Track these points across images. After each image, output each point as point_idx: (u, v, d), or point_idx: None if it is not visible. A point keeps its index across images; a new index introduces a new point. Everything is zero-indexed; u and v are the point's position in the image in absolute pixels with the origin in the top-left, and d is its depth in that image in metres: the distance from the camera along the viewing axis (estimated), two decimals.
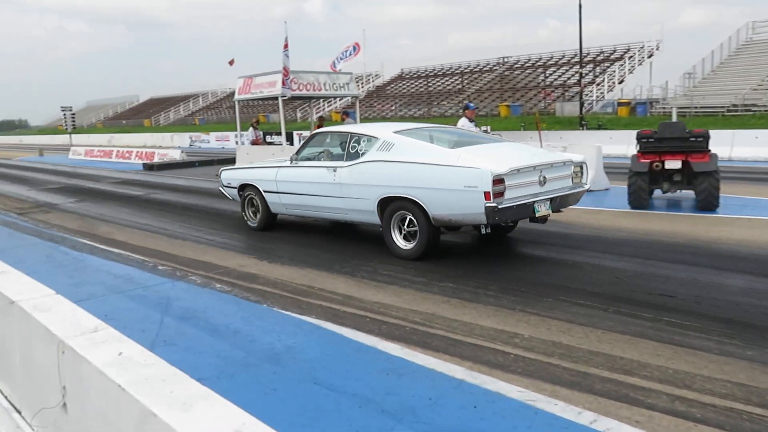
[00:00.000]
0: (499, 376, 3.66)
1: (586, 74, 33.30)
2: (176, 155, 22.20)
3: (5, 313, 2.38)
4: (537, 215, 6.24)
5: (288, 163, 7.85)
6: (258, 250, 7.41)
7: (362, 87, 47.07)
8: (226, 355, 4.09)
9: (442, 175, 6.06)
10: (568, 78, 41.21)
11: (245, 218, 8.63)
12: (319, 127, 17.13)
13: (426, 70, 54.84)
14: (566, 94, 38.08)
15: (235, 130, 19.42)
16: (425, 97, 48.09)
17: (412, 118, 41.78)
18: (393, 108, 47.03)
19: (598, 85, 36.46)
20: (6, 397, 2.42)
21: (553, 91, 39.56)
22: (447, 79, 51.30)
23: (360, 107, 31.68)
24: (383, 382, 3.62)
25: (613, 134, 20.13)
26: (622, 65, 37.57)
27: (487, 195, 5.66)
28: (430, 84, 51.70)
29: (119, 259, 7.07)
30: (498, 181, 5.70)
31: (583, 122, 25.23)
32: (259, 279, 6.00)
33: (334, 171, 7.03)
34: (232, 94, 77.81)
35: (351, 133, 7.28)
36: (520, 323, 4.54)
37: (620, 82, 36.57)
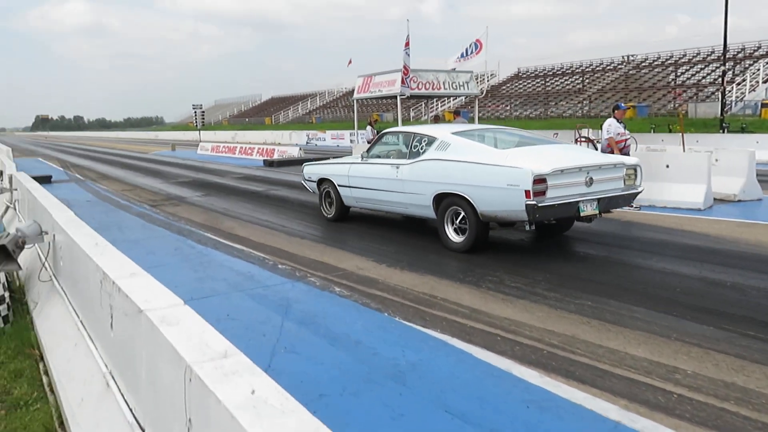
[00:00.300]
0: (662, 420, 3.12)
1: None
2: (294, 152, 22.77)
3: (133, 320, 2.22)
4: (582, 214, 6.41)
5: (359, 161, 8.48)
6: (375, 252, 7.18)
7: (479, 86, 46.27)
8: (347, 369, 3.84)
9: (488, 174, 6.44)
10: (703, 77, 38.03)
11: (322, 210, 9.39)
12: None
13: (544, 70, 52.97)
14: (700, 94, 35.15)
15: (352, 128, 19.53)
16: (542, 97, 46.41)
17: (528, 119, 40.42)
18: (508, 108, 45.82)
19: (738, 84, 33.27)
20: (131, 410, 2.27)
21: (684, 91, 36.65)
22: (566, 78, 49.23)
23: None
24: (524, 416, 3.20)
25: (760, 138, 18.11)
26: (767, 63, 34.05)
27: (527, 193, 5.96)
28: (547, 84, 49.85)
29: (241, 256, 7.13)
30: (539, 180, 6.00)
31: (723, 124, 22.97)
32: (378, 284, 5.75)
33: (397, 168, 7.59)
34: (348, 93, 79.63)
35: (414, 133, 7.76)
36: (678, 355, 3.92)
37: (765, 82, 33.15)
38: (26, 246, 5.04)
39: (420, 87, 14.81)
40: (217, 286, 5.88)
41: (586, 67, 48.83)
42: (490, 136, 7.72)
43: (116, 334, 2.70)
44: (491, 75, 52.80)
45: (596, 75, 46.69)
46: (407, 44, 14.32)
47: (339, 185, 8.80)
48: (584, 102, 40.62)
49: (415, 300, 5.24)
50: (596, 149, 10.99)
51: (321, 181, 9.26)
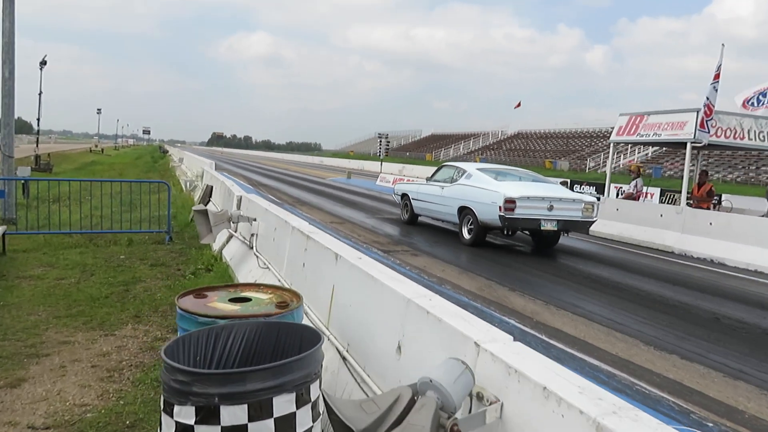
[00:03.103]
0: None
1: None
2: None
3: None
4: (542, 228, 9.51)
5: (425, 183, 12.14)
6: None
7: None
8: None
9: (483, 195, 9.74)
10: None
11: (401, 215, 13.19)
12: (702, 183, 13.14)
13: None
14: None
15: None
16: None
17: None
18: None
19: None
20: None
21: None
22: None
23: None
24: None
25: None
26: None
27: (500, 208, 9.21)
28: None
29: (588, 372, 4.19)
30: (509, 201, 9.19)
31: None
32: None
33: (442, 188, 11.04)
34: (512, 137, 75.92)
35: (456, 166, 11.37)
36: None
37: None
38: None
39: (719, 134, 11.30)
40: None
41: None
42: (501, 172, 11.06)
43: None
44: None
45: None
46: (717, 77, 10.92)
47: (412, 198, 12.48)
48: None
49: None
50: None
51: (402, 196, 13.07)
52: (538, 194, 9.49)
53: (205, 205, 11.84)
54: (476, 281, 7.50)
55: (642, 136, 12.56)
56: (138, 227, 10.21)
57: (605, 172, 47.64)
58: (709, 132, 10.99)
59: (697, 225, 11.00)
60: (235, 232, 7.17)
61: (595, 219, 9.85)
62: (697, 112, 11.19)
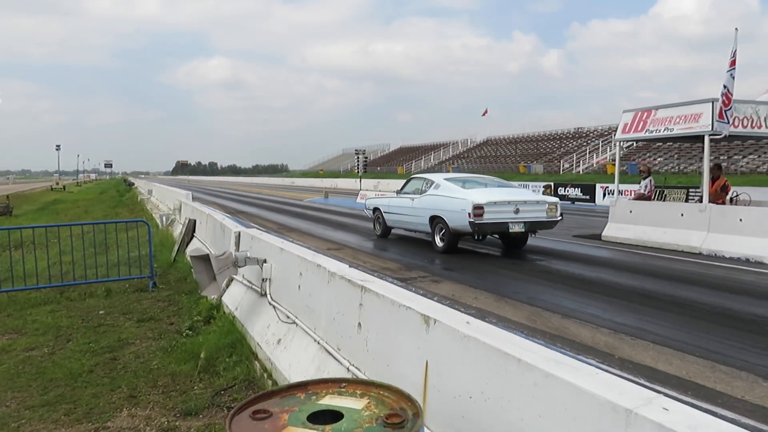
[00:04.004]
0: None
1: None
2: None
3: None
4: (510, 231, 10.07)
5: (395, 196, 12.66)
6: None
7: None
8: None
9: (453, 203, 10.21)
10: None
11: (374, 229, 13.56)
12: (716, 177, 12.44)
13: None
14: None
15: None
16: None
17: None
18: None
19: None
20: None
21: None
22: None
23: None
24: None
25: None
26: None
27: (470, 215, 9.70)
28: None
29: None
30: (478, 207, 9.70)
31: None
32: None
33: (412, 200, 11.54)
34: (481, 144, 75.88)
35: (424, 178, 12.04)
36: None
37: None
38: None
39: (736, 124, 10.61)
40: None
41: None
42: (467, 180, 11.58)
43: None
44: None
45: None
46: (733, 63, 10.22)
47: (384, 212, 12.86)
48: None
49: None
50: None
51: (374, 210, 13.45)
52: (504, 198, 10.10)
53: (187, 243, 10.68)
54: (520, 309, 6.50)
55: (651, 132, 11.81)
56: (116, 273, 8.99)
57: (579, 172, 47.15)
58: (728, 122, 10.28)
59: (725, 222, 10.24)
60: (237, 274, 6.07)
61: (559, 218, 10.43)
62: (713, 102, 10.47)
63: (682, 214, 11.11)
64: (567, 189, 29.28)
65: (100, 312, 7.23)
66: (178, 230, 13.05)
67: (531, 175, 47.01)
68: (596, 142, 50.48)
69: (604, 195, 27.16)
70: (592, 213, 21.62)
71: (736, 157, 32.30)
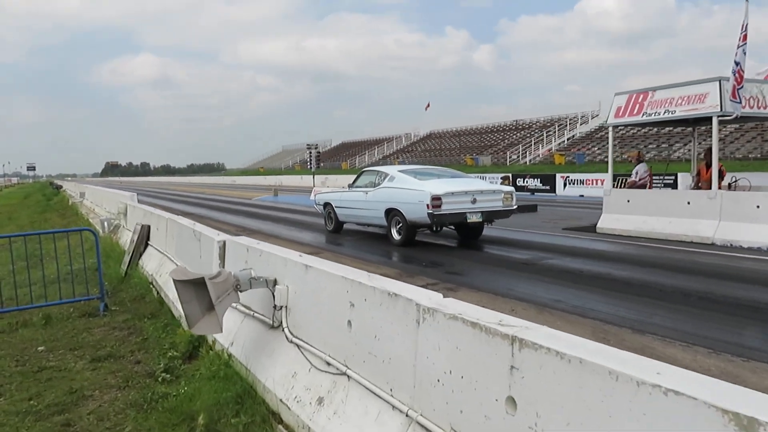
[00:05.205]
0: None
1: None
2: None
3: None
4: (468, 221, 10.00)
5: (347, 189, 12.51)
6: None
7: None
8: None
9: (409, 195, 10.03)
10: None
11: (325, 225, 13.20)
12: (710, 163, 11.80)
13: None
14: None
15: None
16: None
17: None
18: None
19: None
20: None
21: None
22: None
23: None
24: None
25: None
26: None
27: (428, 206, 9.53)
28: None
29: None
30: (436, 198, 9.55)
31: None
32: None
33: (366, 193, 11.31)
34: (425, 138, 76.03)
35: (377, 170, 11.81)
36: None
37: None
38: None
39: (744, 105, 9.90)
40: None
41: None
42: (421, 172, 11.38)
43: None
44: None
45: None
46: (744, 38, 9.45)
47: (336, 206, 12.57)
48: None
49: None
50: None
51: (325, 205, 13.06)
52: (461, 189, 10.02)
53: (141, 254, 9.04)
54: (575, 324, 5.36)
55: (649, 115, 10.98)
56: (55, 293, 7.24)
57: (526, 163, 47.09)
58: (740, 102, 9.53)
59: (739, 210, 9.51)
60: (238, 301, 4.64)
61: (514, 207, 10.50)
62: (719, 81, 9.71)
63: (688, 202, 10.34)
64: (526, 180, 28.75)
65: (39, 348, 5.62)
66: (124, 237, 11.32)
67: (479, 167, 46.57)
68: (540, 133, 50.69)
69: (564, 185, 26.76)
70: (562, 204, 21.01)
71: (730, 143, 31.55)
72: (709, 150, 12.14)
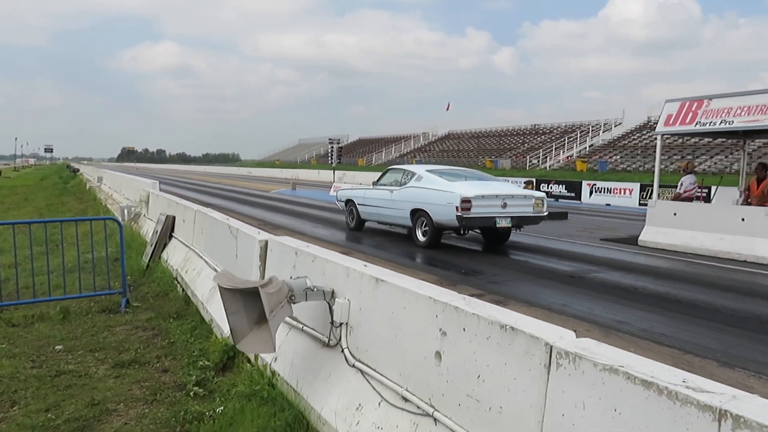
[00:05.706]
0: None
1: None
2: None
3: None
4: (497, 226, 9.64)
5: (371, 187, 11.95)
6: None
7: None
8: None
9: (438, 196, 9.68)
10: None
11: (346, 222, 12.85)
12: (762, 178, 11.13)
13: None
14: None
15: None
16: None
17: None
18: None
19: None
20: None
21: None
22: None
23: None
24: None
25: None
26: None
27: (458, 208, 9.19)
28: None
29: None
30: (465, 200, 9.22)
31: None
32: None
33: (391, 192, 10.92)
34: (443, 138, 75.47)
35: (404, 169, 11.38)
36: None
37: None
38: None
39: None
40: None
41: None
42: (450, 173, 11.10)
43: None
44: None
45: None
46: None
47: (358, 204, 12.23)
48: None
49: None
50: None
51: (347, 202, 12.71)
52: (492, 192, 9.78)
53: (164, 246, 8.57)
54: (655, 352, 4.78)
55: (703, 125, 10.35)
56: (74, 284, 6.77)
57: (546, 168, 46.32)
58: None
59: None
60: (291, 314, 4.13)
61: (545, 213, 10.16)
62: None
63: (742, 219, 9.71)
64: (550, 185, 28.04)
65: (57, 347, 5.15)
66: (145, 227, 10.87)
67: (498, 170, 45.84)
68: (561, 138, 49.86)
69: (591, 193, 26.07)
70: (590, 212, 20.37)
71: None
72: (762, 165, 11.48)
